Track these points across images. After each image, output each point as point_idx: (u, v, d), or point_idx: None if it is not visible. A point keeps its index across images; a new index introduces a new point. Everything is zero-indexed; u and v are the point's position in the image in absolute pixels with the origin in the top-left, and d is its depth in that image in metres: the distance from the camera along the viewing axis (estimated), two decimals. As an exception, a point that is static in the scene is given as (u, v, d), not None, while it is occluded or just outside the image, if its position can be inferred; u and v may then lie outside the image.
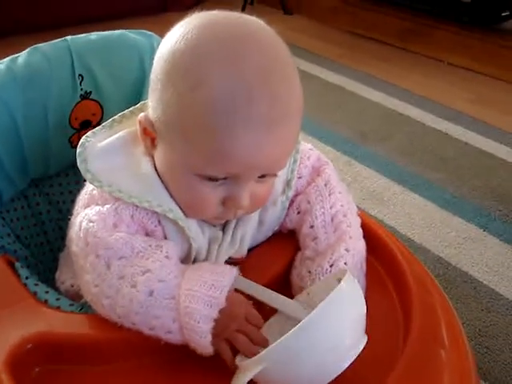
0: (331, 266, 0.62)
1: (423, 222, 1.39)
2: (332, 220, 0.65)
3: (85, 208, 0.61)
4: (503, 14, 2.32)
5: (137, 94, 0.79)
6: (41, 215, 0.83)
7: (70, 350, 0.57)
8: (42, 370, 0.56)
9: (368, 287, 0.63)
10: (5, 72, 0.73)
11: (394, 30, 2.52)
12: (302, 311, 0.57)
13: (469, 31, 2.32)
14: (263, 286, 0.59)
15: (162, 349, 0.56)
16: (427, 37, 2.43)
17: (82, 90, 0.78)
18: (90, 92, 0.78)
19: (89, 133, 0.63)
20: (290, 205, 0.68)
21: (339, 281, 0.52)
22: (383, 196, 1.49)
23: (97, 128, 0.64)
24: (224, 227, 0.64)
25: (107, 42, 0.80)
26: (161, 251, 0.57)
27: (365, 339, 0.52)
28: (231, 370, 0.53)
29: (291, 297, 0.61)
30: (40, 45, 0.77)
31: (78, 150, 0.61)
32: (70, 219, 0.63)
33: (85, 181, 0.62)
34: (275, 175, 0.60)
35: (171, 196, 0.59)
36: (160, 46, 0.58)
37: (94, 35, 0.80)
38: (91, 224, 0.58)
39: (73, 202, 0.64)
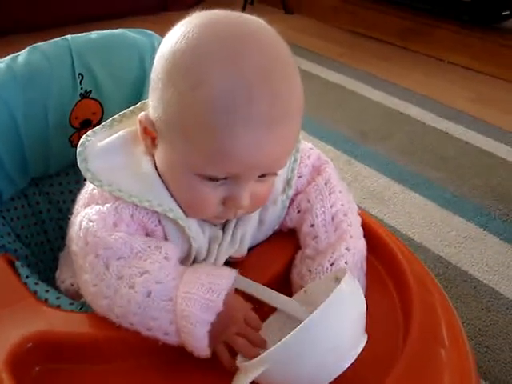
0: (332, 264, 0.62)
1: (423, 221, 1.39)
2: (332, 219, 0.65)
3: (85, 207, 0.61)
4: (503, 13, 2.33)
5: (137, 94, 0.79)
6: (41, 214, 0.83)
7: (70, 348, 0.57)
8: (42, 368, 0.56)
9: (368, 286, 0.63)
10: (5, 71, 0.73)
11: (395, 29, 2.52)
12: (302, 311, 0.57)
13: (469, 30, 2.32)
14: (263, 285, 0.60)
15: (161, 349, 0.56)
16: (427, 36, 2.43)
17: (82, 89, 0.77)
18: (90, 91, 0.78)
19: (89, 132, 0.63)
20: (291, 204, 0.68)
21: (337, 279, 0.52)
22: (383, 195, 1.49)
23: (97, 127, 0.64)
24: (224, 226, 0.64)
25: (107, 41, 0.80)
26: (160, 252, 0.57)
27: (365, 338, 0.52)
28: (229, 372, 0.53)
29: (291, 296, 0.61)
30: (40, 44, 0.77)
31: (78, 150, 0.61)
32: (70, 218, 0.63)
33: (85, 180, 0.62)
34: (275, 174, 0.60)
35: (171, 195, 0.59)
36: (161, 46, 0.58)
37: (94, 34, 0.80)
38: (91, 223, 0.58)
39: (73, 201, 0.64)
